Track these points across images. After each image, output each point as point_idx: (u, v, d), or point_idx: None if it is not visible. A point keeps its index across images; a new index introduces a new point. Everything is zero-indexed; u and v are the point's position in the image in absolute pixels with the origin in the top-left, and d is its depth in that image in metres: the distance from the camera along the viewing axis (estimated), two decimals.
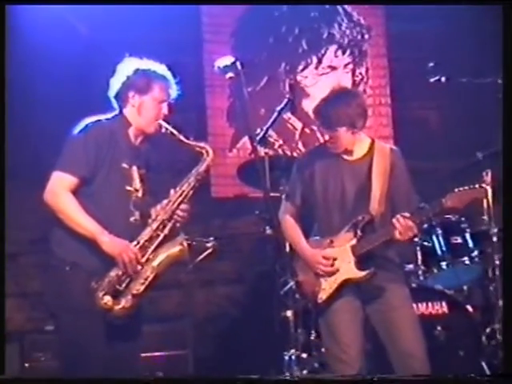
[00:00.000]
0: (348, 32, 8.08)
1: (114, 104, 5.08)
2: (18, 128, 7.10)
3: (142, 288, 4.85)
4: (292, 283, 5.73)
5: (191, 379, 4.66)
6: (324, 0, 7.99)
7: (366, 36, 8.11)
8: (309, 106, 7.06)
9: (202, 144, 5.16)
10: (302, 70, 7.94)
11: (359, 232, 5.15)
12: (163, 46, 5.72)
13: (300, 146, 7.40)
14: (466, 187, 5.02)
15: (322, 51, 8.03)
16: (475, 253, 6.60)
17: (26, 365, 6.26)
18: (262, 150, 6.01)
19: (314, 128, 7.10)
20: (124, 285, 4.83)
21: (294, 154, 7.19)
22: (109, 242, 4.80)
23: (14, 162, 6.82)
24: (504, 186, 4.93)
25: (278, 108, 6.28)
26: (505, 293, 5.02)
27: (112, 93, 5.08)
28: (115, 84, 5.08)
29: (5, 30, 5.30)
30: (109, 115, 5.06)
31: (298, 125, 7.43)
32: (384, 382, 4.56)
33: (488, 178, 5.87)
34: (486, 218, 6.50)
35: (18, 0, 6.58)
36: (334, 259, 5.18)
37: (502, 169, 5.01)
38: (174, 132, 5.04)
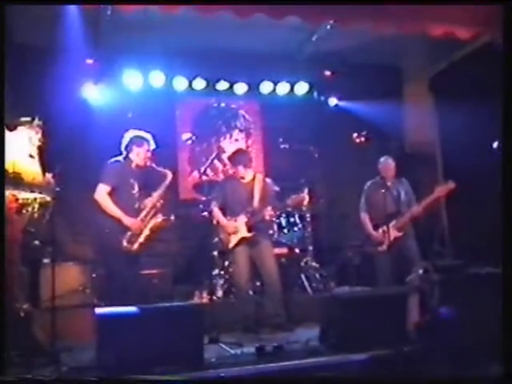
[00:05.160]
0: (244, 124, 7.67)
1: (124, 152, 5.05)
2: (79, 155, 6.18)
3: (143, 240, 4.85)
4: (217, 238, 5.57)
5: (192, 379, 3.54)
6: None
7: (252, 126, 7.73)
8: (225, 156, 7.03)
9: (166, 170, 5.19)
10: (223, 140, 7.66)
11: (248, 215, 5.18)
12: (152, 124, 5.65)
13: (221, 175, 7.41)
14: (295, 196, 5.04)
15: (232, 132, 7.66)
16: (299, 225, 6.40)
17: (94, 275, 5.47)
18: (204, 177, 5.97)
19: (228, 167, 7.09)
20: (134, 239, 4.84)
21: (218, 179, 7.19)
22: (126, 219, 4.80)
23: (90, 178, 6.28)
24: (504, 187, 3.69)
25: (211, 157, 6.27)
26: (504, 292, 3.21)
27: (123, 146, 5.06)
28: (124, 142, 5.07)
29: (5, 29, 3.87)
30: (121, 157, 5.04)
31: (220, 166, 7.43)
32: (385, 381, 3.56)
33: (305, 192, 5.54)
34: (304, 209, 6.30)
35: (18, 0, 4.84)
36: (236, 227, 5.19)
37: (501, 168, 3.77)
38: (153, 165, 5.05)
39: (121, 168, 4.97)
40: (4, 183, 3.60)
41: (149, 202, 4.97)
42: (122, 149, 5.03)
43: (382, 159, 5.79)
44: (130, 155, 5.01)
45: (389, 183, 5.73)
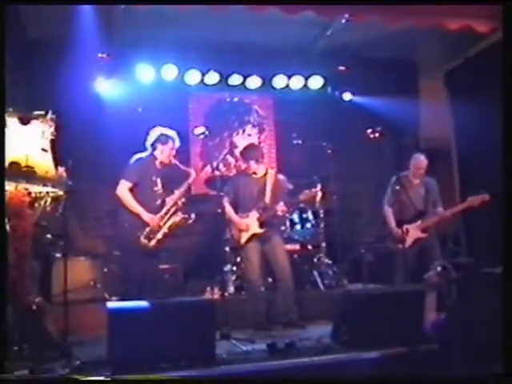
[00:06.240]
0: (257, 119, 7.65)
1: (149, 149, 5.07)
2: (92, 150, 6.16)
3: (161, 237, 4.87)
4: (229, 235, 5.49)
5: (195, 379, 3.49)
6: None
7: (265, 121, 7.69)
8: (237, 151, 7.05)
9: (190, 169, 5.20)
10: (235, 135, 7.65)
11: (260, 211, 5.15)
12: (165, 119, 5.61)
13: (234, 171, 7.39)
14: (307, 191, 5.00)
15: (245, 127, 7.61)
16: (312, 222, 6.34)
17: (105, 270, 5.71)
18: (217, 172, 5.94)
19: (240, 162, 7.06)
20: (152, 236, 4.86)
21: (231, 174, 7.16)
22: (146, 215, 4.83)
23: (101, 173, 6.05)
24: (504, 188, 3.56)
25: (224, 153, 6.28)
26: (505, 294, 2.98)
27: (148, 143, 5.08)
28: (150, 139, 5.08)
29: (5, 29, 3.73)
30: (145, 153, 5.07)
31: (233, 161, 7.42)
32: (396, 380, 3.47)
33: (318, 188, 5.66)
34: (317, 205, 6.13)
35: (18, 0, 4.66)
36: (248, 224, 5.16)
37: (501, 168, 3.68)
38: (177, 163, 5.07)
39: (144, 165, 4.98)
40: (4, 182, 3.55)
41: (170, 199, 4.99)
42: (148, 146, 5.06)
43: (415, 155, 5.65)
44: (155, 152, 5.04)
45: (417, 181, 5.62)
